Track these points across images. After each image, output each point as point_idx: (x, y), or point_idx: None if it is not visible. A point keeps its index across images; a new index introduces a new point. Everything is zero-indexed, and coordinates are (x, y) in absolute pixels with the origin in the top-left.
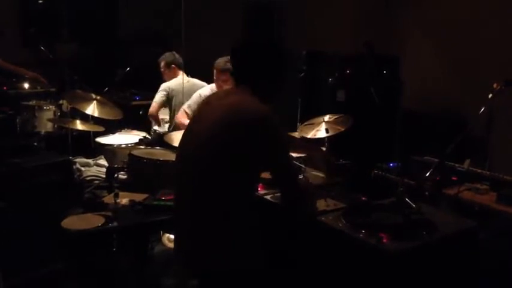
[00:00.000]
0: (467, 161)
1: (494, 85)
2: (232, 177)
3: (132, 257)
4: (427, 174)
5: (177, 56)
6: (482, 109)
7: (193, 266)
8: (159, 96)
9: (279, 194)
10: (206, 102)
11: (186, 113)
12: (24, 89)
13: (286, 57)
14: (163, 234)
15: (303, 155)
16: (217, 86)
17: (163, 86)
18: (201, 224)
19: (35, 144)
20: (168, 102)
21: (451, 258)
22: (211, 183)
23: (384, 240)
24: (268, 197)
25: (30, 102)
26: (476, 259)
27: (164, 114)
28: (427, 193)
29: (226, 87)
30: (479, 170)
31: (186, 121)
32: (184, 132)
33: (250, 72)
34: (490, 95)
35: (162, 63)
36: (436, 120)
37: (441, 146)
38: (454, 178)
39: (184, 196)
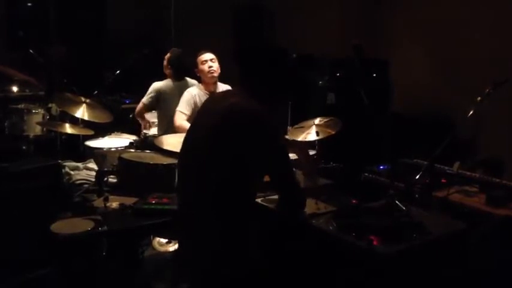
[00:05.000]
0: (457, 164)
1: (486, 90)
2: (232, 180)
3: (122, 262)
4: (417, 177)
5: (180, 58)
6: (471, 112)
7: (193, 268)
8: (147, 98)
9: (270, 197)
10: (206, 106)
11: (182, 113)
12: (13, 92)
13: (294, 68)
14: (153, 238)
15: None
16: (204, 76)
17: (154, 87)
18: (201, 225)
19: (24, 147)
20: (158, 104)
21: (441, 260)
22: (211, 185)
23: (374, 243)
24: (259, 200)
25: (19, 106)
26: (465, 261)
27: (154, 118)
28: (417, 196)
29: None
30: (468, 173)
31: (184, 122)
32: (185, 137)
33: (255, 75)
34: (479, 98)
35: (166, 57)
36: (426, 123)
37: (431, 149)
38: (443, 180)
39: (186, 199)
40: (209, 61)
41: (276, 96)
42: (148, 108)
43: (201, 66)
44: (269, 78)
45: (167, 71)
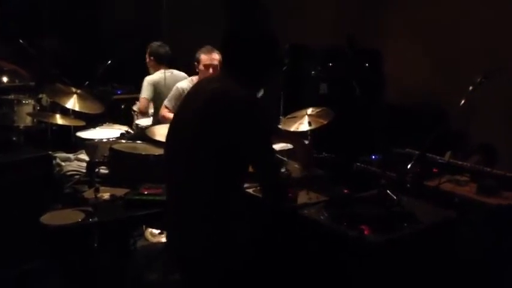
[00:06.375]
0: (448, 153)
1: (478, 79)
2: (220, 166)
3: (114, 253)
4: (409, 167)
5: (162, 48)
6: (462, 102)
7: (182, 257)
8: (148, 91)
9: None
10: (191, 93)
11: (167, 107)
12: (3, 82)
13: (279, 49)
14: (146, 229)
15: (284, 146)
16: (202, 76)
17: (149, 80)
18: (189, 214)
19: (14, 138)
20: (154, 96)
21: (432, 249)
22: (198, 172)
23: (366, 232)
24: (250, 190)
25: (9, 96)
26: (456, 249)
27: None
28: (408, 185)
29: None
30: (459, 162)
31: (168, 115)
32: (170, 124)
33: (243, 60)
34: (471, 88)
35: (147, 52)
36: (418, 113)
37: (423, 139)
38: (435, 170)
39: (173, 188)
40: (211, 67)
41: (262, 81)
42: (150, 101)
43: (202, 68)
44: (257, 64)
45: (151, 64)
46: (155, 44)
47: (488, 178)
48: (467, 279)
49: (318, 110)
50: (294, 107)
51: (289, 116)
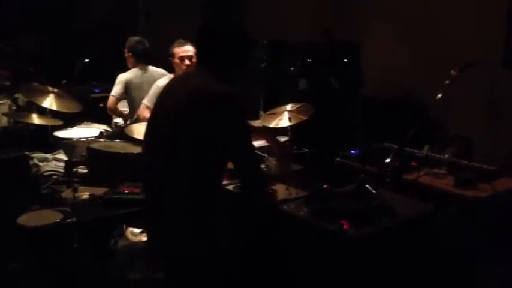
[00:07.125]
0: (427, 147)
1: (452, 71)
2: (199, 156)
3: (94, 253)
4: (388, 161)
5: (140, 45)
6: (440, 95)
7: (163, 254)
8: (117, 89)
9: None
10: (168, 88)
11: (147, 106)
12: None
13: (252, 44)
14: (126, 228)
15: (264, 142)
16: (178, 69)
17: (121, 78)
18: (169, 211)
19: None
20: (126, 95)
21: (411, 242)
22: (178, 169)
23: (345, 227)
24: (230, 187)
25: None
26: (434, 241)
27: (125, 107)
28: (387, 179)
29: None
30: (437, 155)
31: (148, 115)
32: (149, 121)
33: (217, 55)
34: (447, 82)
35: (126, 47)
36: (397, 107)
37: (401, 133)
38: (413, 163)
39: (152, 186)
40: (186, 59)
41: (237, 77)
42: (119, 100)
43: (177, 61)
44: (231, 59)
45: (130, 61)
46: (133, 40)
47: (465, 171)
48: (448, 271)
49: (297, 105)
50: (274, 103)
51: (269, 112)
